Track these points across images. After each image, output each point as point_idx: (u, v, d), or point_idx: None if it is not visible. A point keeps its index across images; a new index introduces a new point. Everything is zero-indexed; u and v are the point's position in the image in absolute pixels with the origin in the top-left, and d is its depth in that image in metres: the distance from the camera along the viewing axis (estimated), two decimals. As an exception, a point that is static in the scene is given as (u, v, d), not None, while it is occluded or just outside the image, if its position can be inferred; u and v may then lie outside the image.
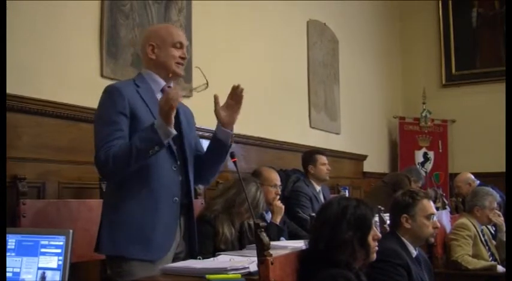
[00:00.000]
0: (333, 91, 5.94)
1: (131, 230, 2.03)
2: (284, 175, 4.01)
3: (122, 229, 2.04)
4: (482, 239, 3.78)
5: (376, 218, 2.36)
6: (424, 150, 7.23)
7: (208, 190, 3.45)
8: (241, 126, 4.22)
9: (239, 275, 1.80)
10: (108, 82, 2.46)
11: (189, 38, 3.63)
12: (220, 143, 2.23)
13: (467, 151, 7.09)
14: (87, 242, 2.17)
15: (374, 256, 2.07)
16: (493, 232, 4.00)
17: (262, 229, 1.75)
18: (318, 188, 4.17)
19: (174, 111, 1.98)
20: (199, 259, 2.13)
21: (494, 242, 3.90)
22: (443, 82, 7.56)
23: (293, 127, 5.10)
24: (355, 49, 6.52)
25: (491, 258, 3.74)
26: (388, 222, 2.84)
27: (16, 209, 2.37)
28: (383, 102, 7.29)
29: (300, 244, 2.22)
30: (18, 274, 1.61)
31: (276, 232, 3.14)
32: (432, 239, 2.83)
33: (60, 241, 1.61)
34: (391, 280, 2.39)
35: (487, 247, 3.78)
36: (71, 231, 1.62)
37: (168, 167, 2.11)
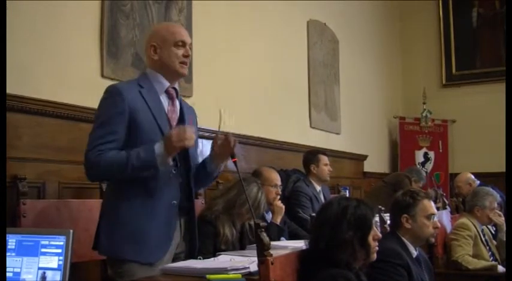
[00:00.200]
0: (333, 91, 5.94)
1: (128, 232, 2.04)
2: (284, 175, 4.01)
3: (120, 231, 2.05)
4: (483, 239, 3.78)
5: (377, 218, 2.36)
6: (424, 150, 7.23)
7: (209, 190, 3.45)
8: (241, 126, 4.26)
9: (239, 275, 1.80)
10: (109, 82, 2.46)
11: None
12: (207, 171, 2.25)
13: (467, 151, 7.09)
14: (88, 242, 2.17)
15: (374, 256, 2.07)
16: (493, 232, 4.00)
17: (263, 229, 1.75)
18: (318, 188, 4.17)
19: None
20: (200, 259, 2.13)
21: (494, 242, 3.90)
22: (444, 82, 7.56)
23: (293, 127, 5.10)
24: (355, 49, 6.51)
25: (491, 258, 3.74)
26: (388, 222, 2.84)
27: (16, 209, 2.36)
28: (383, 102, 7.29)
29: (300, 244, 2.22)
30: (18, 274, 1.61)
31: (277, 232, 3.13)
32: (432, 239, 2.83)
33: (60, 241, 1.61)
34: (391, 280, 2.39)
35: (487, 247, 3.78)
36: (71, 231, 1.61)
37: (168, 170, 2.10)
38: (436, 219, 2.69)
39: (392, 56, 7.62)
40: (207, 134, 3.54)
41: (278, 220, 3.23)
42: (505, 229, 3.78)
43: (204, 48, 3.79)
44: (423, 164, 7.16)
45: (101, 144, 2.01)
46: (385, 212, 2.97)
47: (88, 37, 3.05)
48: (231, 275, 1.80)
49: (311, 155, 4.24)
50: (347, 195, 4.99)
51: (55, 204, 2.54)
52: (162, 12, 3.55)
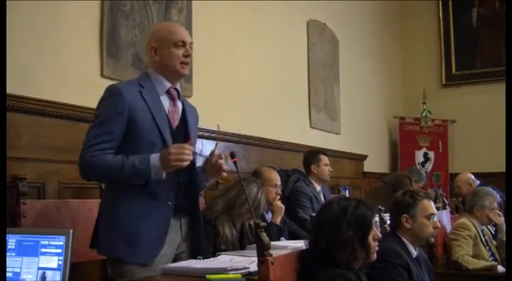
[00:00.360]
0: (333, 91, 5.94)
1: (124, 232, 2.03)
2: (284, 175, 4.01)
3: (116, 231, 2.05)
4: (483, 239, 3.78)
5: (377, 218, 2.36)
6: (424, 150, 7.23)
7: (209, 189, 3.44)
8: (241, 126, 4.26)
9: (239, 275, 1.80)
10: (109, 82, 2.46)
11: (189, 38, 3.63)
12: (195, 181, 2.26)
13: (467, 151, 7.09)
14: (88, 242, 2.17)
15: (374, 256, 2.07)
16: (493, 232, 4.00)
17: (263, 229, 1.75)
18: (318, 188, 4.17)
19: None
20: (200, 259, 2.13)
21: (494, 242, 3.90)
22: (444, 82, 7.57)
23: (293, 127, 5.10)
24: (355, 49, 6.51)
25: (491, 258, 3.74)
26: (388, 222, 2.84)
27: (16, 209, 2.36)
28: (383, 102, 7.29)
29: (300, 244, 2.23)
30: (18, 274, 1.61)
31: (276, 232, 3.13)
32: (432, 239, 2.83)
33: (60, 241, 1.61)
34: (391, 280, 2.39)
35: (487, 247, 3.78)
36: (71, 231, 1.62)
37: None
38: (436, 219, 2.69)
39: (392, 56, 7.62)
40: (207, 134, 3.54)
41: (278, 220, 3.23)
42: (504, 229, 3.78)
43: (204, 48, 3.79)
44: (423, 164, 7.16)
45: (97, 143, 2.01)
46: (385, 212, 2.97)
47: (88, 37, 3.05)
48: (231, 275, 1.79)
49: (312, 155, 4.24)
50: (347, 195, 4.99)
51: (55, 204, 2.54)
52: (162, 12, 3.55)
